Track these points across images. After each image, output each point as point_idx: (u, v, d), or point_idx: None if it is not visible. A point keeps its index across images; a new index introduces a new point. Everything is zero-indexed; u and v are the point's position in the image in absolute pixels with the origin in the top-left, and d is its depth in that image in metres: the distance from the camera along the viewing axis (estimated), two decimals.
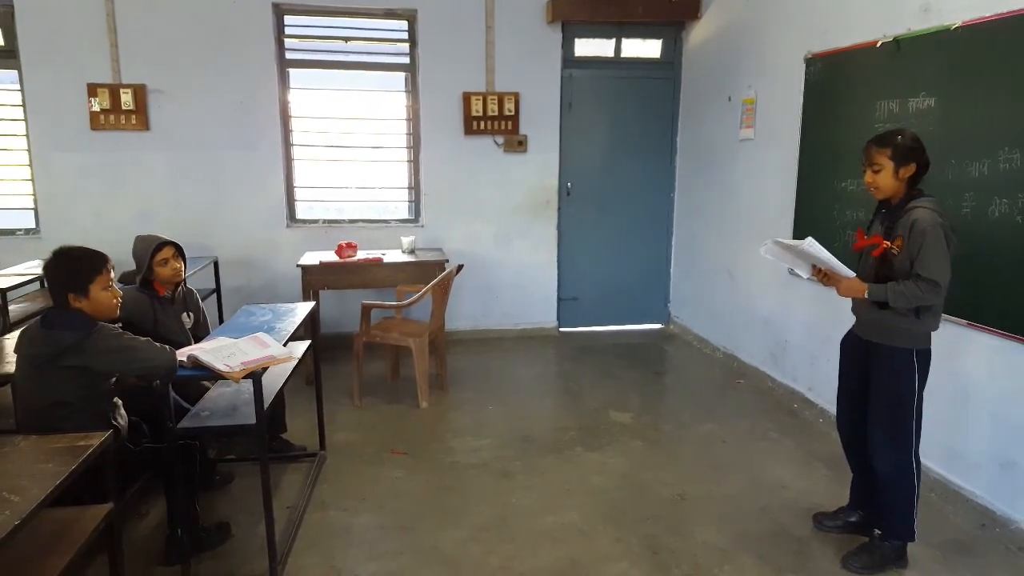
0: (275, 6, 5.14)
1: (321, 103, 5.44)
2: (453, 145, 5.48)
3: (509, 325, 5.86)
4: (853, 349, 2.72)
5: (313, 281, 4.62)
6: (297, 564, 2.66)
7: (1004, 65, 2.79)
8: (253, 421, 2.46)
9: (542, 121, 5.59)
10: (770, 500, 3.16)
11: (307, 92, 5.42)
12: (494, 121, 5.46)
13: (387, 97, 5.55)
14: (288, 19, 5.26)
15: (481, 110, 5.42)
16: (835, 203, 3.78)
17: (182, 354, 2.41)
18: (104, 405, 2.44)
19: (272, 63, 5.17)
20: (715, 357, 5.29)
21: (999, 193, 2.80)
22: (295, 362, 2.88)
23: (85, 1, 4.86)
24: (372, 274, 4.76)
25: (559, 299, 5.95)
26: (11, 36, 4.90)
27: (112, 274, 2.43)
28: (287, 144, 5.38)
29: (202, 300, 3.50)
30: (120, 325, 2.43)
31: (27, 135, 5.03)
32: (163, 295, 3.13)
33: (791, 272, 2.82)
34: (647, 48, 5.79)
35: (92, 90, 4.93)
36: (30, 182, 5.10)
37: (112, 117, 4.98)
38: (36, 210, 5.13)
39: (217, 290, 5.15)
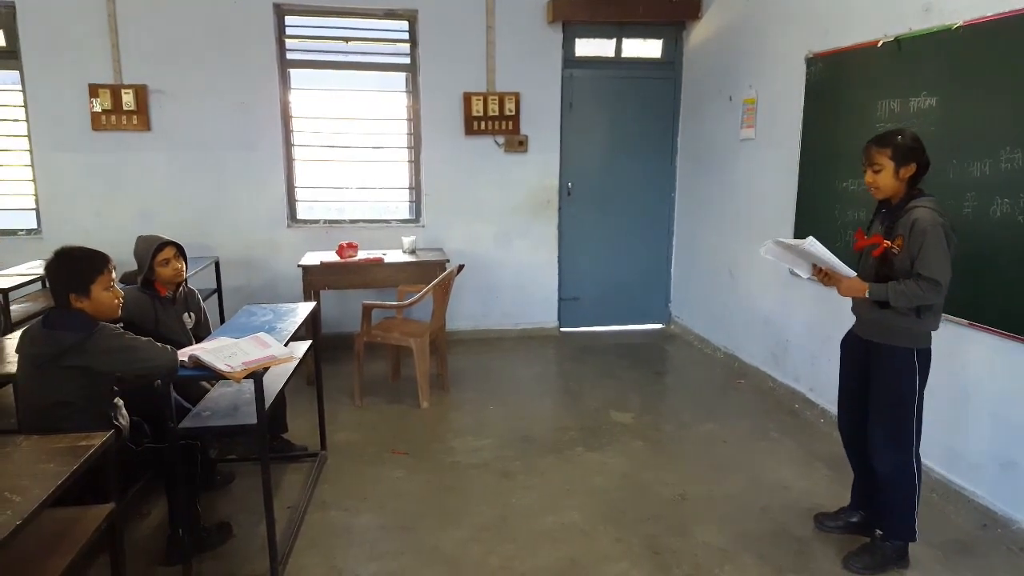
0: (276, 6, 5.15)
1: (322, 103, 5.44)
2: (454, 145, 5.48)
3: (510, 325, 5.86)
4: (853, 349, 2.72)
5: (314, 281, 4.62)
6: (298, 564, 2.67)
7: (1005, 65, 2.78)
8: (254, 421, 2.46)
9: (543, 121, 5.59)
10: (771, 500, 3.16)
11: (308, 92, 5.43)
12: (495, 121, 5.47)
13: (388, 97, 5.55)
14: (289, 19, 5.27)
15: (482, 110, 5.42)
16: (836, 203, 3.78)
17: (183, 354, 2.42)
18: (105, 405, 2.45)
19: (273, 63, 5.18)
20: (716, 357, 5.29)
21: (1000, 193, 2.79)
22: (296, 362, 2.88)
23: (86, 2, 4.87)
24: (373, 274, 4.76)
25: (560, 299, 5.95)
26: (12, 37, 4.91)
27: (113, 274, 2.43)
28: (288, 144, 5.38)
29: (203, 300, 3.50)
30: (121, 325, 2.43)
31: (28, 135, 5.04)
32: (164, 295, 3.13)
33: (792, 272, 2.81)
34: (648, 48, 5.79)
35: (93, 90, 4.94)
36: (31, 182, 5.10)
37: (113, 117, 4.98)
38: (37, 210, 5.14)
39: (218, 290, 5.16)
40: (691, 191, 5.72)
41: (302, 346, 3.31)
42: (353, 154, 5.50)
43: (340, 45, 5.39)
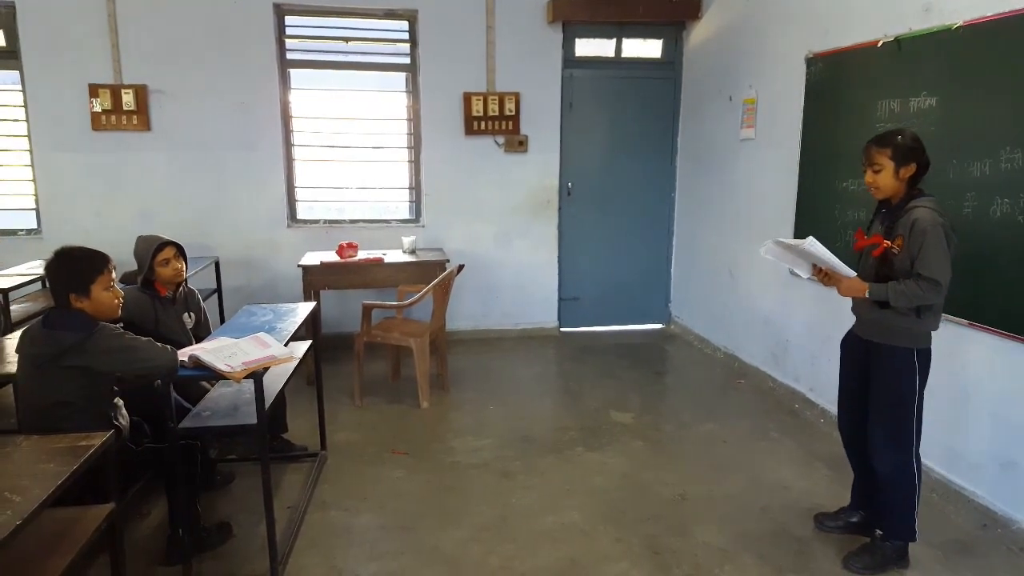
0: (276, 6, 5.15)
1: (322, 103, 5.44)
2: (454, 145, 5.48)
3: (510, 325, 5.86)
4: (853, 349, 2.72)
5: (314, 281, 4.62)
6: (298, 564, 2.67)
7: (1006, 65, 2.78)
8: (254, 421, 2.46)
9: (543, 121, 5.59)
10: (771, 500, 3.16)
11: (308, 92, 5.43)
12: (495, 121, 5.47)
13: (388, 97, 5.55)
14: (289, 19, 5.27)
15: (482, 110, 5.42)
16: (836, 203, 3.78)
17: (183, 354, 2.42)
18: (106, 405, 2.45)
19: (273, 63, 5.18)
20: (716, 357, 5.29)
21: (1001, 193, 2.79)
22: (296, 362, 2.88)
23: (86, 2, 4.87)
24: (373, 274, 4.76)
25: (560, 299, 5.95)
26: (13, 37, 4.91)
27: (113, 274, 2.44)
28: (288, 144, 5.38)
29: (203, 300, 3.50)
30: (121, 325, 2.44)
31: (29, 135, 5.04)
32: (164, 295, 3.13)
33: (791, 273, 2.81)
34: (648, 48, 5.79)
35: (93, 90, 4.94)
36: (31, 182, 5.10)
37: (113, 117, 4.98)
38: (37, 210, 5.14)
39: (218, 290, 5.16)
40: (691, 191, 5.72)
41: (302, 346, 3.31)
42: (353, 154, 5.50)
43: (340, 45, 5.39)
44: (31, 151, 5.05)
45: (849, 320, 2.74)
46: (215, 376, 2.37)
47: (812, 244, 2.42)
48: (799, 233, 4.01)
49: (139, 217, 5.03)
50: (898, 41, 3.32)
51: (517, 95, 5.47)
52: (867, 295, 2.44)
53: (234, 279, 5.27)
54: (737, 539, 2.84)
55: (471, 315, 5.74)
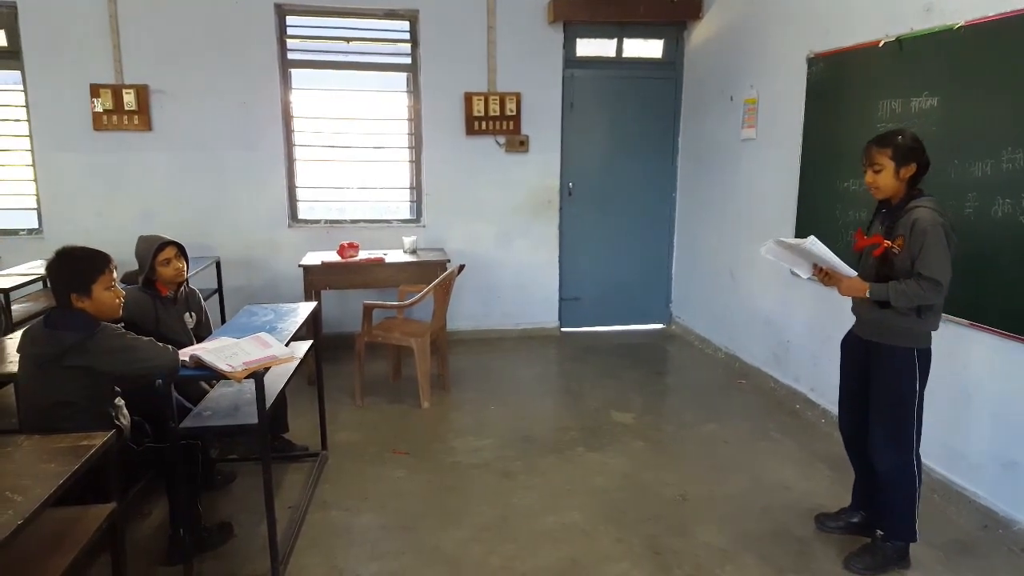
0: (277, 7, 5.15)
1: (323, 103, 5.44)
2: (455, 145, 5.49)
3: (510, 325, 5.86)
4: (853, 349, 2.72)
5: (315, 281, 4.62)
6: (299, 564, 2.67)
7: (1007, 65, 2.78)
8: (255, 421, 2.46)
9: (543, 121, 5.59)
10: (772, 501, 3.16)
11: (309, 92, 5.43)
12: (495, 121, 5.47)
13: (389, 97, 5.55)
14: (290, 20, 5.27)
15: (482, 110, 5.42)
16: (837, 203, 3.78)
17: (184, 354, 2.42)
18: (107, 405, 2.45)
19: (274, 63, 5.18)
20: (717, 357, 5.29)
21: (1002, 193, 2.79)
22: (297, 362, 2.88)
23: (88, 2, 4.87)
24: (374, 274, 4.77)
25: (561, 299, 5.95)
26: (14, 37, 4.91)
27: (115, 274, 2.44)
28: (289, 144, 5.38)
29: (204, 300, 3.50)
30: (123, 325, 2.44)
31: (30, 135, 5.04)
32: (165, 295, 3.13)
33: (792, 273, 2.81)
34: (649, 48, 5.79)
35: (95, 90, 4.94)
36: (33, 182, 5.11)
37: (114, 117, 4.99)
38: (39, 210, 5.14)
39: (219, 290, 5.16)
40: (692, 191, 5.71)
41: (303, 346, 3.31)
42: (354, 154, 5.50)
43: (341, 45, 5.40)
44: (32, 151, 5.06)
45: (850, 320, 2.74)
46: (216, 376, 2.37)
47: (813, 243, 2.42)
48: (800, 233, 4.01)
49: (140, 217, 5.03)
50: (899, 41, 3.32)
51: (518, 95, 5.47)
52: (868, 295, 2.44)
53: (235, 279, 5.28)
54: (738, 539, 2.84)
55: (472, 315, 5.74)
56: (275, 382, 2.78)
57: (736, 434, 3.90)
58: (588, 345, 5.68)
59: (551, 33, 5.48)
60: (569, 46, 5.59)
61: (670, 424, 4.06)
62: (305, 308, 3.33)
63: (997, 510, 2.90)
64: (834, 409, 3.29)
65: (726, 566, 2.67)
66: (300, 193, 5.49)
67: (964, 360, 3.02)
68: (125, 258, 3.04)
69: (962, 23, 2.96)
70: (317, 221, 5.53)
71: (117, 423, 2.45)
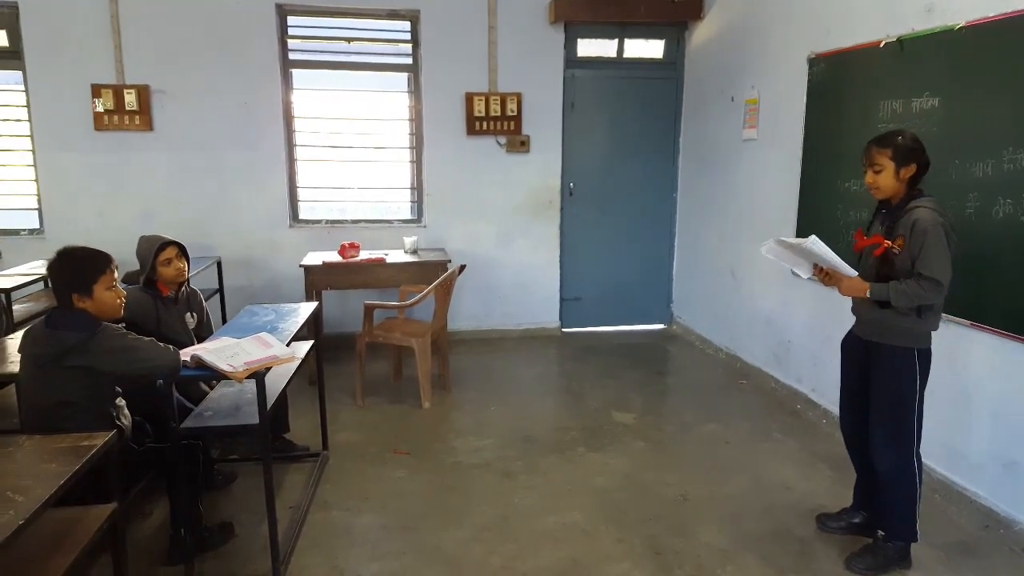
0: (278, 7, 5.15)
1: (324, 104, 5.45)
2: (455, 145, 5.49)
3: (511, 325, 5.86)
4: (853, 349, 2.72)
5: (316, 281, 4.62)
6: (300, 564, 2.67)
7: (1008, 65, 2.78)
8: (256, 421, 2.46)
9: (544, 121, 5.59)
10: (773, 501, 3.16)
11: (310, 93, 5.43)
12: (496, 121, 5.47)
13: (390, 98, 5.55)
14: (291, 20, 5.27)
15: (483, 110, 5.42)
16: (838, 203, 3.77)
17: (185, 354, 2.42)
18: (108, 405, 2.45)
19: (275, 64, 5.18)
20: (718, 357, 5.29)
21: (1003, 193, 2.79)
22: (298, 362, 2.88)
23: (89, 2, 4.87)
24: (375, 274, 4.77)
25: (561, 299, 5.94)
26: (15, 37, 4.92)
27: (116, 274, 2.44)
28: (290, 144, 5.38)
29: (205, 300, 3.50)
30: (124, 325, 2.44)
31: (31, 135, 5.05)
32: (166, 295, 3.14)
33: (793, 273, 2.81)
34: (650, 48, 5.79)
35: (96, 91, 4.95)
36: (34, 182, 5.11)
37: (116, 118, 4.99)
38: (40, 210, 5.15)
39: (220, 290, 5.16)
40: (693, 191, 5.71)
41: (304, 346, 3.31)
42: (355, 154, 5.50)
43: (342, 45, 5.40)
44: (33, 151, 5.06)
45: (850, 321, 2.73)
46: (217, 376, 2.37)
47: (815, 243, 2.42)
48: (801, 233, 4.01)
49: (141, 217, 5.04)
50: (900, 41, 3.32)
51: (519, 95, 5.47)
52: (868, 295, 2.44)
53: (236, 279, 5.28)
54: (739, 540, 2.84)
55: (473, 315, 5.74)
56: (276, 382, 2.78)
57: (737, 434, 3.89)
58: (589, 345, 5.68)
59: (552, 33, 5.48)
60: (570, 46, 5.59)
61: (671, 424, 4.06)
62: (306, 308, 3.33)
63: (998, 510, 2.90)
64: (835, 409, 3.28)
65: (727, 566, 2.67)
66: (301, 193, 5.50)
67: (965, 360, 3.02)
68: (126, 258, 3.04)
69: (963, 23, 2.96)
70: (318, 221, 5.54)
71: (118, 423, 2.45)
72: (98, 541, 2.02)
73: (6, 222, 5.18)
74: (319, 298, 4.54)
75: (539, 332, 5.88)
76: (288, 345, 2.72)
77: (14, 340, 2.94)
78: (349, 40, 5.38)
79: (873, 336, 2.57)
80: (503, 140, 5.55)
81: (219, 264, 5.12)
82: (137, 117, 5.01)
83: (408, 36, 5.41)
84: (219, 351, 2.44)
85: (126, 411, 2.58)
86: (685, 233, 5.91)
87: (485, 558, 2.72)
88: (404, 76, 5.49)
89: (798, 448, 3.71)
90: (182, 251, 3.15)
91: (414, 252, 5.01)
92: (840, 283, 2.52)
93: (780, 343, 4.50)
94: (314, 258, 4.77)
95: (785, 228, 4.21)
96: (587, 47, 5.67)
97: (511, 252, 5.74)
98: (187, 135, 5.13)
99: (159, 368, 2.34)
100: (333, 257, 4.76)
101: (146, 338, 2.39)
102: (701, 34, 5.47)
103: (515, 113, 5.48)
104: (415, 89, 5.46)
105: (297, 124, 5.41)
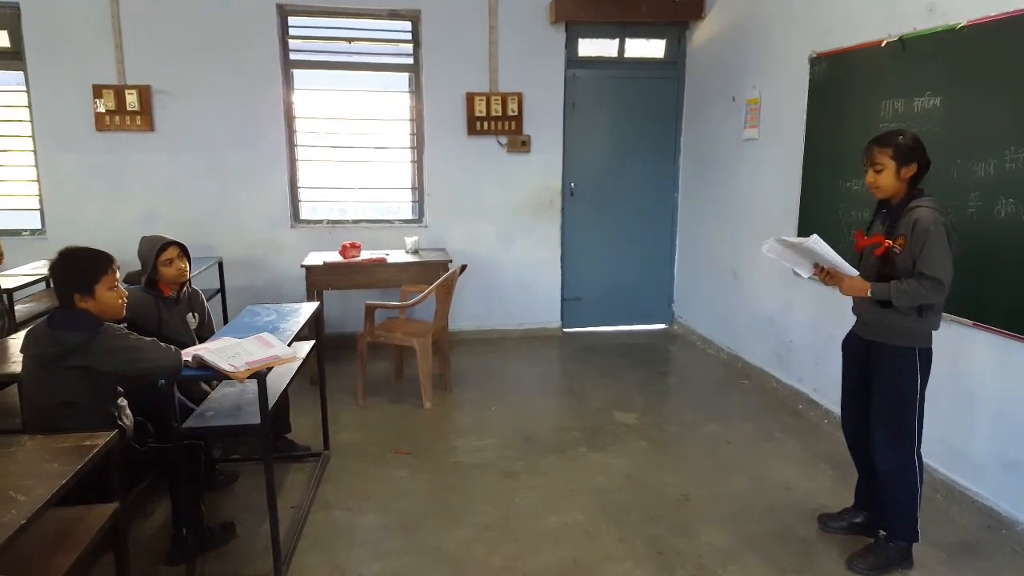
0: (279, 7, 5.16)
1: (325, 104, 5.45)
2: (456, 145, 5.49)
3: (512, 325, 5.86)
4: (854, 349, 2.72)
5: (317, 281, 4.63)
6: (301, 564, 2.67)
7: (1009, 64, 2.78)
8: (257, 421, 2.46)
9: (545, 121, 5.59)
10: (775, 501, 3.16)
11: (311, 93, 5.44)
12: (497, 121, 5.47)
13: (390, 98, 5.56)
14: (292, 20, 5.28)
15: (484, 110, 5.42)
16: (840, 203, 3.77)
17: (187, 354, 2.42)
18: (110, 405, 2.45)
19: (276, 64, 5.19)
20: (719, 357, 5.29)
21: (1005, 193, 2.79)
22: (299, 362, 2.89)
23: (90, 2, 4.88)
24: (376, 274, 4.77)
25: (563, 299, 5.94)
26: (17, 37, 4.93)
27: (118, 274, 2.44)
28: (291, 145, 5.39)
29: (207, 300, 3.50)
30: (125, 325, 2.44)
31: (33, 136, 5.05)
32: (168, 295, 3.14)
33: (794, 272, 2.81)
34: (651, 48, 5.78)
35: (97, 91, 4.95)
36: (36, 183, 5.12)
37: (117, 118, 5.00)
38: (42, 211, 5.16)
39: (222, 290, 5.17)
40: (694, 191, 5.71)
41: (305, 346, 3.31)
42: (356, 154, 5.51)
43: (343, 45, 5.40)
44: (35, 151, 5.07)
45: (852, 320, 2.73)
46: (219, 376, 2.38)
47: (816, 242, 2.42)
48: (802, 233, 4.01)
49: (143, 217, 5.04)
50: (902, 41, 3.31)
51: (520, 95, 5.47)
52: (869, 294, 2.44)
53: (237, 279, 5.28)
54: (741, 540, 2.84)
55: (474, 315, 5.74)
56: (277, 382, 2.78)
57: (739, 434, 3.89)
58: (590, 345, 5.68)
59: (553, 33, 5.48)
60: (571, 46, 5.59)
61: (672, 424, 4.06)
62: (307, 308, 3.34)
63: (1000, 510, 2.89)
64: (837, 409, 3.28)
65: (729, 566, 2.67)
66: (302, 193, 5.50)
67: (966, 360, 3.02)
68: (128, 258, 3.04)
69: (964, 23, 2.96)
70: (319, 221, 5.54)
71: (120, 423, 2.45)
72: (100, 541, 2.02)
73: (8, 222, 5.19)
74: (320, 298, 4.54)
75: (540, 332, 5.88)
76: (289, 345, 2.72)
77: (16, 340, 2.94)
78: (350, 40, 5.39)
79: (874, 336, 2.57)
80: (504, 140, 5.56)
81: (220, 264, 5.12)
82: (138, 117, 5.02)
83: (409, 36, 5.41)
84: (221, 351, 2.44)
85: (128, 411, 2.58)
86: (686, 233, 5.91)
87: (486, 558, 2.72)
88: (405, 76, 5.49)
89: (799, 448, 3.71)
90: (183, 251, 3.16)
91: (415, 252, 5.01)
92: (841, 283, 2.52)
93: (781, 343, 4.49)
94: (315, 258, 4.77)
95: (786, 228, 4.21)
96: (588, 47, 5.67)
97: (512, 252, 5.74)
98: (188, 135, 5.14)
99: (161, 368, 2.34)
100: (334, 257, 4.76)
101: (148, 338, 2.40)
102: (702, 34, 5.47)
103: (516, 113, 5.48)
104: (416, 89, 5.46)
105: (298, 124, 5.41)
